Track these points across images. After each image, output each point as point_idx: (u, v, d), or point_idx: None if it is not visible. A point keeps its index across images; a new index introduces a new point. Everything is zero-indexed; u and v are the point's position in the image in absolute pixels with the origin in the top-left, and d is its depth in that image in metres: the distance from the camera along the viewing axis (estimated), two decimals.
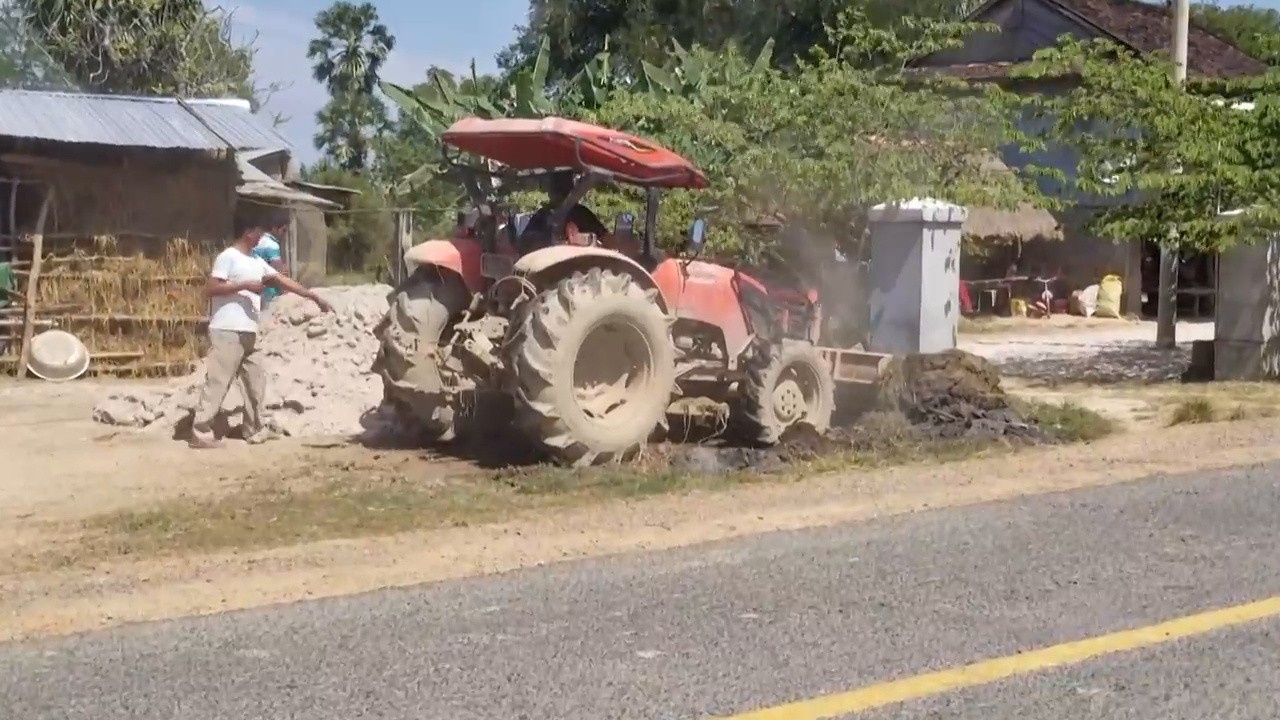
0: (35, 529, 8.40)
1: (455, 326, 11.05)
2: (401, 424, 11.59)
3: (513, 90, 31.21)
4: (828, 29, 15.89)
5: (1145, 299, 31.02)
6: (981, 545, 7.94)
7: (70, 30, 25.82)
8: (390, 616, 6.38)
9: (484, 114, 27.98)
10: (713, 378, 11.88)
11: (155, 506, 9.04)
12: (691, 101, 17.82)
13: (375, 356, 11.71)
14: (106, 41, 25.48)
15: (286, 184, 26.42)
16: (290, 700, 5.17)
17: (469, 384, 10.82)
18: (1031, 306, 31.59)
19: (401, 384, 11.13)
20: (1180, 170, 17.67)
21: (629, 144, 11.47)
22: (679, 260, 11.75)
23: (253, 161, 23.31)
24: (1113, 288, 31.71)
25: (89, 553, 7.70)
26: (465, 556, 7.63)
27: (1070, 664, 5.61)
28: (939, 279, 13.78)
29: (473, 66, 38.91)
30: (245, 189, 20.47)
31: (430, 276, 11.34)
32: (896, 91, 15.39)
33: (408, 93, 34.23)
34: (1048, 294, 31.62)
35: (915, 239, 13.63)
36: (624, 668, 5.57)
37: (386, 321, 11.40)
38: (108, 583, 7.00)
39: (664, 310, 10.89)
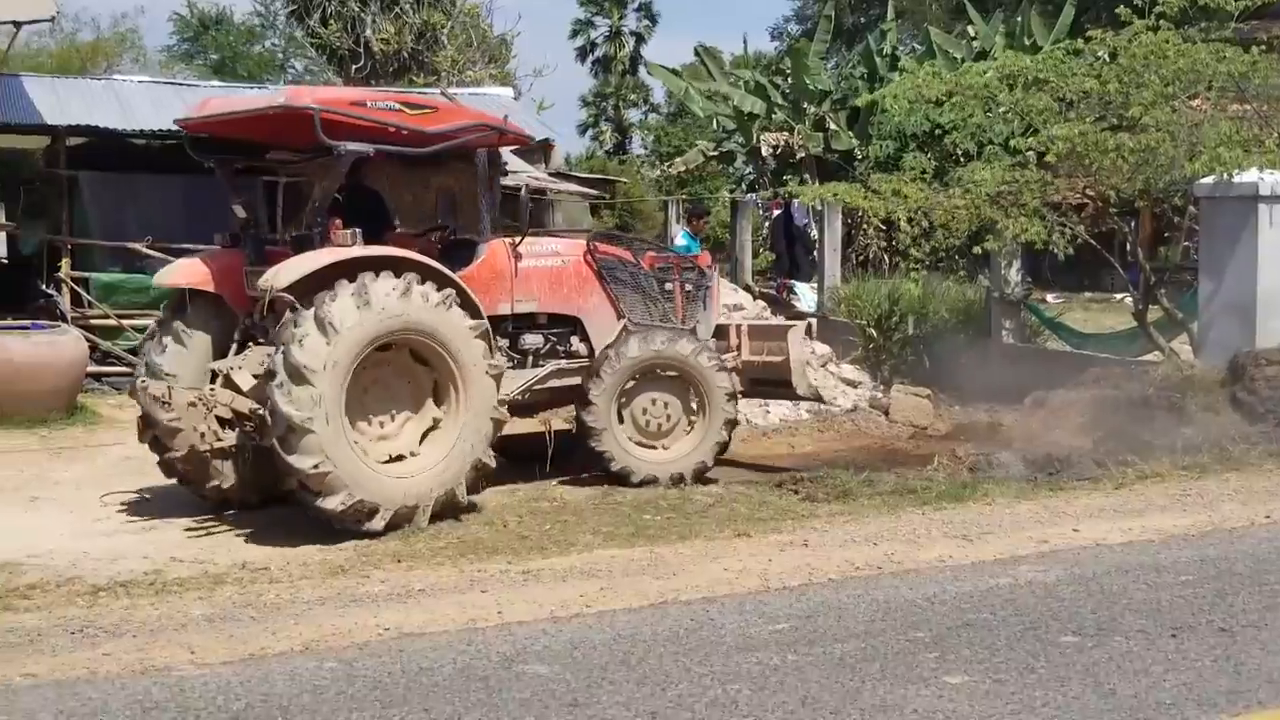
0: (308, 536, 8.84)
1: (210, 365, 9.57)
2: (189, 491, 9.79)
3: (787, 64, 31.14)
4: None
5: None
6: None
7: (331, 22, 27.16)
8: (673, 632, 6.47)
9: (760, 89, 27.97)
10: (578, 379, 10.58)
11: None
12: (985, 72, 17.31)
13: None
14: (368, 32, 26.69)
15: (550, 174, 27.11)
16: (575, 719, 5.29)
17: (231, 437, 9.21)
18: None
19: (163, 442, 9.37)
20: None
21: (397, 107, 9.89)
22: (509, 242, 10.30)
23: (515, 151, 23.99)
24: None
25: (363, 561, 8.10)
26: (749, 569, 7.68)
27: None
28: (1279, 260, 13.06)
29: (744, 41, 38.96)
30: (508, 180, 21.05)
31: (186, 304, 9.85)
32: (1223, 50, 14.64)
33: (674, 72, 34.53)
34: None
35: (1250, 216, 12.97)
36: (928, 694, 5.50)
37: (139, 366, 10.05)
38: (383, 592, 7.33)
39: (473, 314, 9.32)
